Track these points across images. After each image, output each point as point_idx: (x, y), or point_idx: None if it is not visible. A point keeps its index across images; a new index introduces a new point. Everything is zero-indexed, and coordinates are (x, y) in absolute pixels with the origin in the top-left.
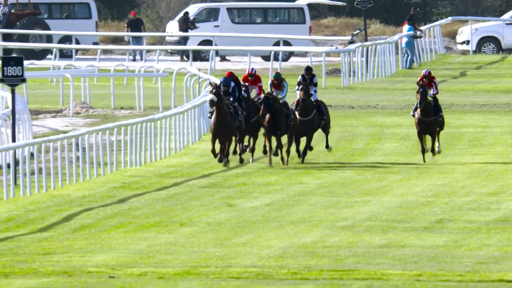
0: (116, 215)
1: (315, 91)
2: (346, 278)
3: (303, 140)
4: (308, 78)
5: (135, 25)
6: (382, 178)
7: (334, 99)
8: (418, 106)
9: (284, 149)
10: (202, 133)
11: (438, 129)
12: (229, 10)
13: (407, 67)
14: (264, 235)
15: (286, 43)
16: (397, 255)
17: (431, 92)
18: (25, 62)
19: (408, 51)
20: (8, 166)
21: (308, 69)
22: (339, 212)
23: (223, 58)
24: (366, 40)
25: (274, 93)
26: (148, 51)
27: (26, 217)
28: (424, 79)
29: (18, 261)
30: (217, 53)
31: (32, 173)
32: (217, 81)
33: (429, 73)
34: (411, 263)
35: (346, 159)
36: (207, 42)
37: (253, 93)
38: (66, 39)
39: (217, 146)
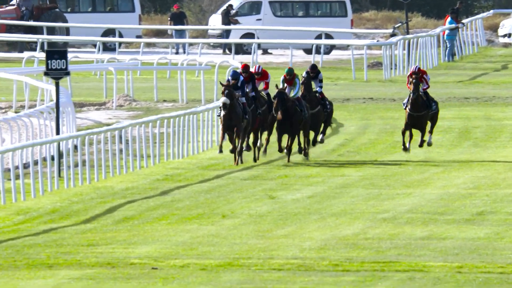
0: (159, 207)
1: (321, 87)
2: (387, 270)
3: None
4: (313, 76)
5: (178, 18)
6: (423, 170)
7: (375, 92)
8: (411, 95)
9: (284, 144)
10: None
11: (429, 122)
12: (271, 3)
13: (448, 60)
14: (306, 227)
15: (328, 36)
16: (438, 247)
17: (422, 87)
18: (69, 56)
19: (448, 43)
20: (52, 158)
21: (313, 67)
22: (381, 204)
23: (265, 51)
24: (407, 33)
25: (286, 89)
26: (190, 44)
27: (70, 209)
28: (414, 75)
29: (62, 253)
30: (259, 46)
31: (76, 165)
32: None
33: (419, 69)
34: (452, 255)
35: (388, 151)
36: (249, 35)
37: (260, 87)
38: (109, 32)
39: (224, 144)
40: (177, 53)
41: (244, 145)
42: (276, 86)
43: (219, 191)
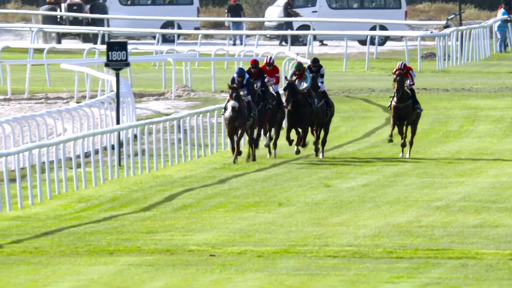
0: (217, 195)
1: (322, 82)
2: (440, 257)
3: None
4: (315, 70)
5: (235, 10)
6: (475, 159)
7: (429, 82)
8: (395, 94)
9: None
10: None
11: (411, 127)
12: None
13: (501, 50)
14: (360, 215)
15: (382, 27)
16: (490, 235)
17: (407, 82)
18: (129, 47)
19: (499, 34)
20: (113, 147)
21: (315, 61)
22: (434, 193)
23: (321, 43)
24: (460, 24)
25: (297, 82)
26: (247, 35)
27: (130, 197)
28: (398, 71)
29: (123, 239)
30: (314, 37)
31: (136, 155)
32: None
33: (405, 65)
34: (505, 243)
35: (441, 141)
36: (305, 27)
37: (270, 82)
38: (168, 24)
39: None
40: (234, 44)
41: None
42: (286, 77)
43: (275, 180)
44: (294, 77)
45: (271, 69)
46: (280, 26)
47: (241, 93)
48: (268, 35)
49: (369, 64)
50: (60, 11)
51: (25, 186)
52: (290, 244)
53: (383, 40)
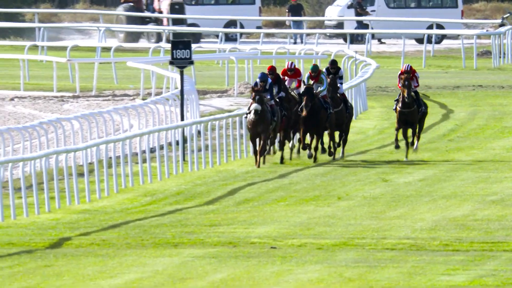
0: (278, 189)
1: (341, 84)
2: (495, 250)
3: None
4: (333, 72)
5: (296, 10)
6: None
7: (484, 79)
8: (406, 99)
9: (313, 145)
10: (359, 112)
11: (418, 125)
12: None
13: None
14: (417, 208)
15: (439, 26)
16: None
17: (412, 86)
18: (193, 46)
19: None
20: (177, 143)
21: (333, 63)
22: (489, 187)
23: (379, 41)
24: None
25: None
26: (308, 34)
27: (193, 191)
28: (405, 74)
29: (187, 232)
30: (373, 36)
31: (199, 150)
32: (373, 62)
33: (410, 67)
34: None
35: (496, 136)
36: (364, 26)
37: (292, 86)
38: (231, 24)
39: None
40: (295, 43)
41: (276, 146)
42: (303, 82)
43: (334, 174)
44: (310, 81)
45: (293, 73)
46: (339, 25)
47: (265, 98)
48: (328, 34)
49: (426, 62)
50: (147, 9)
51: (93, 181)
52: (349, 237)
53: (440, 38)
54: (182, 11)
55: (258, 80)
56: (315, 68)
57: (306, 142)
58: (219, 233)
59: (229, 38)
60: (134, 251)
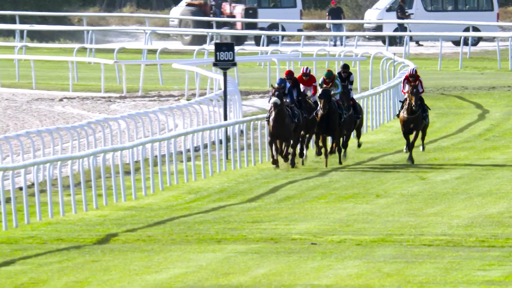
0: (318, 187)
1: (351, 89)
2: None
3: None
4: (345, 76)
5: (336, 13)
6: None
7: None
8: (414, 107)
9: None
10: (397, 112)
11: (421, 131)
12: None
13: None
14: (454, 206)
15: (475, 29)
16: None
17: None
18: (236, 48)
19: None
20: (221, 142)
21: (345, 67)
22: None
23: (417, 43)
24: None
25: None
26: (347, 36)
27: (236, 189)
28: (410, 78)
29: (229, 228)
30: (411, 38)
31: (242, 149)
32: (411, 63)
33: (416, 71)
34: None
35: None
36: (404, 28)
37: (308, 94)
38: (273, 26)
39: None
40: (335, 45)
41: (294, 150)
42: (320, 85)
43: (373, 173)
44: (324, 85)
45: (308, 79)
46: (378, 28)
47: (285, 101)
48: (367, 36)
49: (462, 63)
50: (211, 12)
51: (139, 178)
52: (387, 233)
53: (476, 40)
54: (255, 16)
55: (276, 85)
56: (329, 74)
57: (320, 145)
58: (261, 229)
59: (271, 40)
60: (178, 246)
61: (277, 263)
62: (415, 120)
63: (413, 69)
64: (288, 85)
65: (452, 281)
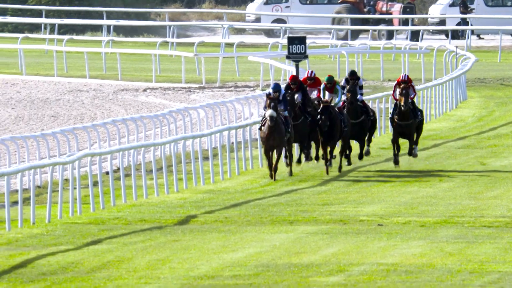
0: (384, 172)
1: (361, 94)
2: None
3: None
4: (352, 83)
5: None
6: None
7: None
8: (402, 107)
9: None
10: (459, 101)
11: (415, 133)
12: None
13: None
14: None
15: None
16: None
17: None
18: (308, 41)
19: None
20: None
21: (352, 74)
22: None
23: (478, 37)
24: None
25: (327, 97)
26: (412, 31)
27: (308, 173)
28: (402, 84)
29: (301, 211)
30: (472, 32)
31: None
32: (472, 56)
33: (408, 77)
34: None
35: None
36: (466, 22)
37: (313, 95)
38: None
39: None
40: (406, 38)
41: (289, 160)
42: (321, 100)
43: (436, 158)
44: (326, 94)
45: (313, 82)
46: (442, 22)
47: (278, 108)
48: (431, 30)
49: None
50: (368, 10)
51: (217, 164)
52: (449, 215)
53: None
54: (412, 13)
55: (271, 90)
56: (330, 79)
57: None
58: (331, 211)
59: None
60: (253, 227)
61: (345, 243)
62: (408, 127)
63: (405, 75)
64: (283, 91)
65: (510, 260)
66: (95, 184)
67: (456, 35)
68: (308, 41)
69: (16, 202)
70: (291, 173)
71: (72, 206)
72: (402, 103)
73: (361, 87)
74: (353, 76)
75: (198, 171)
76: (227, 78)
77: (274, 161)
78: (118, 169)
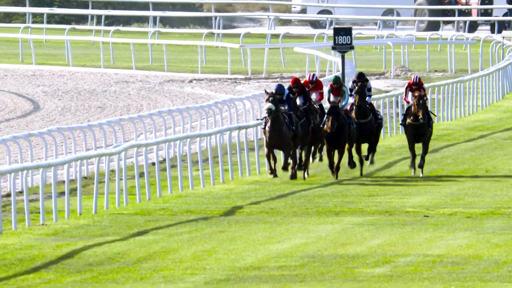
0: (430, 163)
1: (370, 96)
2: None
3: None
4: (361, 85)
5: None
6: None
7: None
8: (421, 119)
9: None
10: (505, 92)
11: (424, 144)
12: None
13: None
14: None
15: None
16: None
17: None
18: (354, 32)
19: None
20: None
21: (360, 76)
22: None
23: None
24: None
25: (333, 98)
26: (458, 21)
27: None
28: (413, 86)
29: (347, 202)
30: None
31: None
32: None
33: (419, 79)
34: None
35: None
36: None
37: (313, 98)
38: (388, 12)
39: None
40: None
41: (295, 161)
42: (328, 100)
43: (482, 149)
44: (331, 95)
45: (314, 85)
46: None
47: (282, 108)
48: (478, 21)
49: None
50: (449, 2)
51: (262, 155)
52: (496, 206)
53: None
54: (491, 3)
55: (274, 91)
56: (336, 80)
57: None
58: (376, 202)
59: (387, 25)
60: (299, 218)
61: (391, 234)
62: (421, 127)
63: (416, 76)
64: (286, 92)
65: None
66: (141, 175)
67: (503, 25)
68: (354, 32)
69: (63, 193)
70: (295, 176)
71: (118, 197)
72: (420, 115)
73: (369, 89)
74: (361, 78)
75: (244, 162)
76: (273, 69)
77: (273, 164)
78: (164, 160)
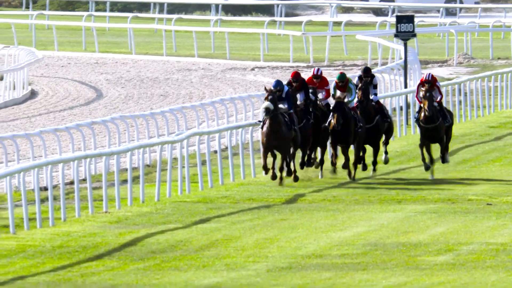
0: (493, 151)
1: (376, 94)
2: None
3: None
4: (365, 81)
5: None
6: None
7: None
8: (427, 112)
9: (351, 162)
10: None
11: (445, 138)
12: None
13: None
14: None
15: None
16: None
17: (437, 98)
18: (416, 20)
19: None
20: (401, 108)
21: (367, 71)
22: None
23: None
24: None
25: (338, 94)
26: None
27: (416, 152)
28: (426, 84)
29: (409, 189)
30: None
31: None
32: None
33: (432, 76)
34: None
35: None
36: None
37: (320, 97)
38: None
39: (269, 161)
40: None
41: (294, 163)
42: (333, 96)
43: None
44: (337, 92)
45: (319, 81)
46: None
47: (282, 106)
48: None
49: None
50: None
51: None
52: None
53: None
54: None
55: (272, 87)
56: (342, 77)
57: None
58: (439, 190)
59: (449, 12)
60: (361, 206)
61: (454, 222)
62: (436, 130)
63: (429, 74)
64: (286, 88)
65: None
66: (203, 163)
67: None
68: (416, 20)
69: (125, 181)
70: (296, 179)
71: (181, 185)
72: (426, 107)
73: (375, 86)
74: (367, 73)
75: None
76: (335, 57)
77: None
78: (226, 148)
